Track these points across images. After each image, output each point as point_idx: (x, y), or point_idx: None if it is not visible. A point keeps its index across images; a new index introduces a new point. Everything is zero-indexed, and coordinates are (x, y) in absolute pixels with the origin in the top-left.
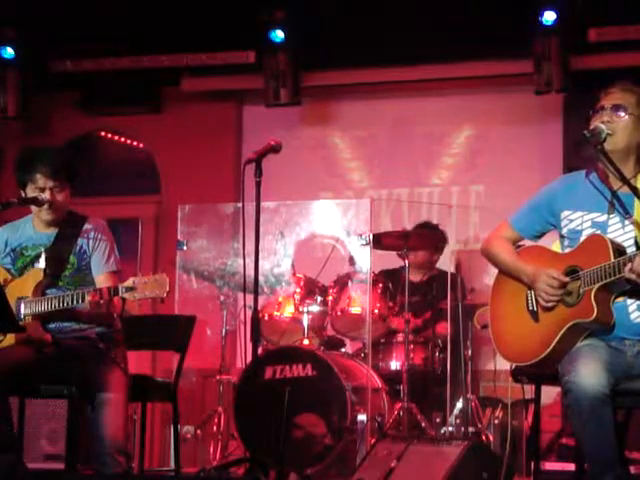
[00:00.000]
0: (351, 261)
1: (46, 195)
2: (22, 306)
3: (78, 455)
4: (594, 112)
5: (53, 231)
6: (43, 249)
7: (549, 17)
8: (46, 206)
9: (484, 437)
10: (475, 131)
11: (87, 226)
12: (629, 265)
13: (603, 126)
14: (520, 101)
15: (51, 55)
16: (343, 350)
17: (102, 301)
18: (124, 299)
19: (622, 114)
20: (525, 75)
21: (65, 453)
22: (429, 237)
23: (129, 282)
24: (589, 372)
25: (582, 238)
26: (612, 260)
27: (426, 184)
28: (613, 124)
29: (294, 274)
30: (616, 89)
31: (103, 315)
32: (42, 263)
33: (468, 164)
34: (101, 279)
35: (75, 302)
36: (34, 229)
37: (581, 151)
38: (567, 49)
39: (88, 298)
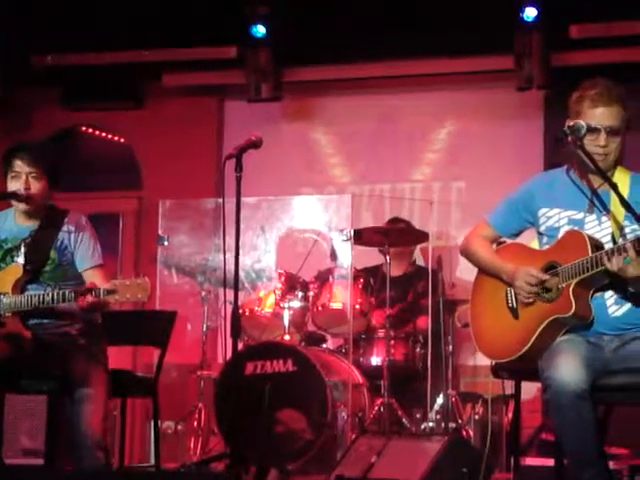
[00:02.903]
0: (332, 256)
1: (22, 183)
2: (2, 302)
3: (57, 450)
4: (588, 131)
5: (34, 224)
6: (22, 242)
7: (530, 13)
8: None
9: (464, 432)
10: (456, 127)
11: (68, 221)
12: (606, 258)
13: (583, 122)
14: (501, 97)
15: (33, 50)
16: (324, 346)
17: (92, 302)
18: None
19: (616, 137)
20: (506, 71)
21: (44, 448)
22: (410, 232)
23: (110, 285)
24: (569, 368)
25: (560, 235)
26: (590, 255)
27: (408, 180)
28: (607, 147)
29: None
30: (607, 106)
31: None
32: (22, 258)
33: (450, 160)
34: (89, 274)
35: (55, 301)
36: (15, 222)
37: (561, 147)
38: (548, 45)
39: (78, 304)
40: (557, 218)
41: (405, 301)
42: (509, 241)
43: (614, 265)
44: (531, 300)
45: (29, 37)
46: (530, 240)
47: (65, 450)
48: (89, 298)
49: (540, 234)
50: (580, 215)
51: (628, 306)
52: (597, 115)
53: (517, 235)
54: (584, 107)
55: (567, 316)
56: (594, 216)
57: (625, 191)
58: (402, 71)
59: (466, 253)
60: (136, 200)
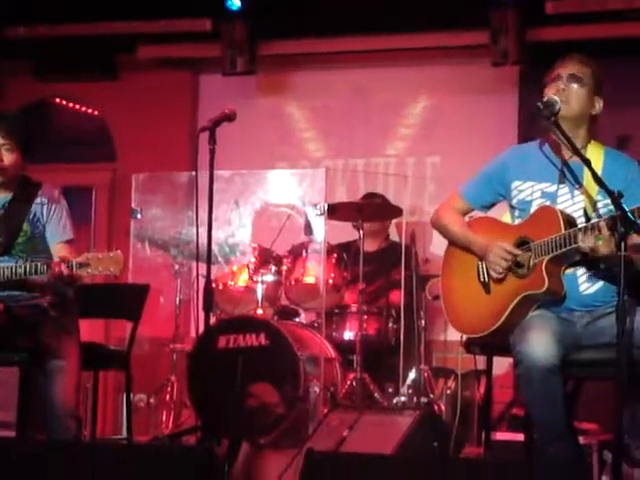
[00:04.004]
0: (307, 230)
1: None
2: None
3: (29, 422)
4: (550, 80)
5: (6, 196)
6: None
7: None
8: None
9: (436, 407)
10: (431, 102)
11: (41, 193)
12: (580, 237)
13: (556, 98)
14: (476, 72)
15: (4, 21)
16: (297, 320)
17: (63, 274)
18: None
19: (576, 85)
20: (481, 47)
21: (16, 421)
22: (383, 207)
23: (82, 258)
24: (540, 343)
25: (532, 209)
26: (563, 231)
27: (382, 155)
28: (567, 92)
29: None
30: (572, 60)
31: (58, 284)
32: None
33: (424, 135)
34: (58, 248)
35: (28, 274)
36: None
37: (536, 122)
38: (524, 21)
39: (49, 274)
40: (530, 191)
41: (379, 279)
42: (480, 214)
43: (587, 243)
44: (503, 276)
45: (1, 8)
46: (501, 213)
47: (37, 422)
48: (62, 267)
49: (512, 207)
50: (553, 188)
51: (600, 284)
52: (563, 66)
53: (489, 208)
54: (555, 67)
55: (540, 292)
56: (567, 189)
57: (599, 165)
58: (378, 45)
59: (437, 225)
60: (109, 173)
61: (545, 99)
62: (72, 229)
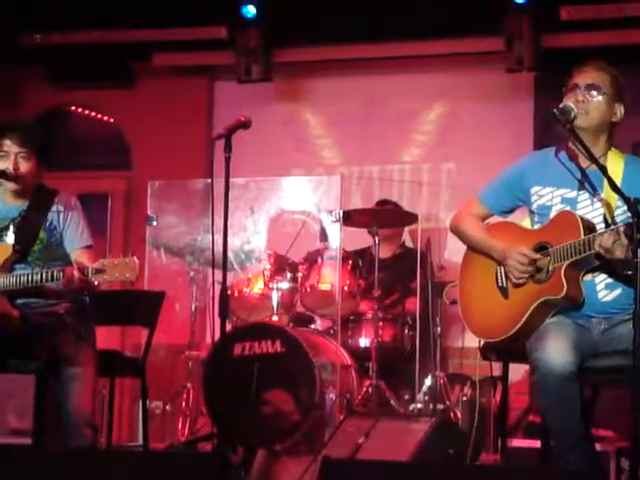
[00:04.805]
0: (322, 237)
1: (10, 162)
2: None
3: (46, 430)
4: (568, 89)
5: (23, 204)
6: (11, 222)
7: None
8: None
9: (452, 414)
10: (446, 109)
11: (58, 200)
12: (599, 239)
13: (572, 105)
14: (491, 79)
15: (21, 28)
16: (312, 327)
17: (76, 280)
18: None
19: (596, 93)
20: (496, 53)
21: (32, 428)
22: (399, 213)
23: (98, 264)
24: (557, 349)
25: (552, 214)
26: (582, 237)
27: (397, 161)
28: (586, 103)
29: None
30: (590, 67)
31: (72, 292)
32: (10, 238)
33: (439, 142)
34: (77, 254)
35: (44, 281)
36: (3, 201)
37: (552, 129)
38: (539, 27)
39: (63, 281)
40: (550, 197)
41: (394, 285)
42: (499, 219)
43: (603, 244)
44: (523, 281)
45: (17, 15)
46: (521, 219)
47: (53, 429)
48: (75, 273)
49: (532, 212)
50: (573, 194)
51: (618, 291)
52: (580, 75)
53: (508, 213)
54: (573, 74)
55: (558, 298)
56: (587, 195)
57: (619, 172)
58: (393, 52)
59: (456, 230)
60: (125, 180)
61: (561, 106)
62: (90, 235)
